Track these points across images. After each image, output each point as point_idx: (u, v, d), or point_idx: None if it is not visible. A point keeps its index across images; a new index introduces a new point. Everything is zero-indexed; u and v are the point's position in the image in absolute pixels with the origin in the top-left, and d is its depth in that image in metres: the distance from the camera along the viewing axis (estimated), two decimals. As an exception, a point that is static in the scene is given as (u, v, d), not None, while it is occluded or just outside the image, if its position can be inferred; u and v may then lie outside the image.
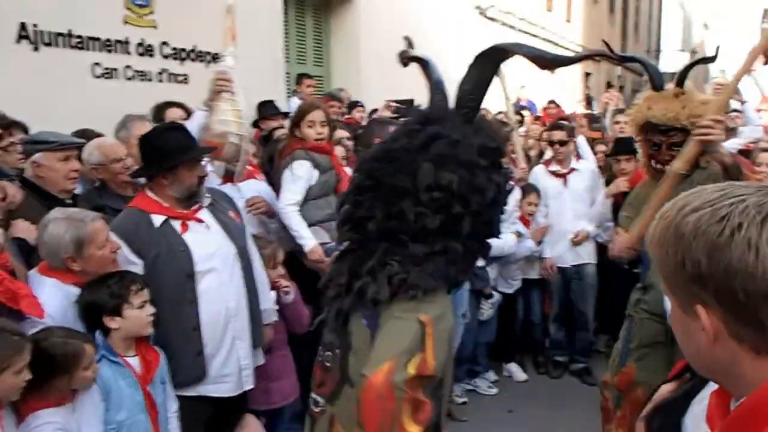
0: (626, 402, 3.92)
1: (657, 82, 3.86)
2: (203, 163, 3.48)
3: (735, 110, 8.39)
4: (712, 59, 4.10)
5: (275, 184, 4.62)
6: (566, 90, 17.37)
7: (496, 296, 5.81)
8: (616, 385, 3.96)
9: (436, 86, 2.45)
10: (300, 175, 4.33)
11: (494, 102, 12.33)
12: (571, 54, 3.03)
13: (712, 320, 1.10)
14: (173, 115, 5.70)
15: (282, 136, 5.98)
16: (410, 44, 2.82)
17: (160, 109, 5.83)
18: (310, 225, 4.33)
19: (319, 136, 4.47)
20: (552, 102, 12.61)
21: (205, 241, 3.37)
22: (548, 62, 2.47)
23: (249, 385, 3.53)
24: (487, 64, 2.40)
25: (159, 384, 3.18)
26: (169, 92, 6.68)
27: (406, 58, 2.70)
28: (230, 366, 3.43)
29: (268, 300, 3.75)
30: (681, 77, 3.90)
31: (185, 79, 7.06)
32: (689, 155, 3.51)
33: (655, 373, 3.78)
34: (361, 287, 2.13)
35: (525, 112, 10.43)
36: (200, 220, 3.41)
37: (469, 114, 2.33)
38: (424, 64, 2.54)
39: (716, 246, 1.07)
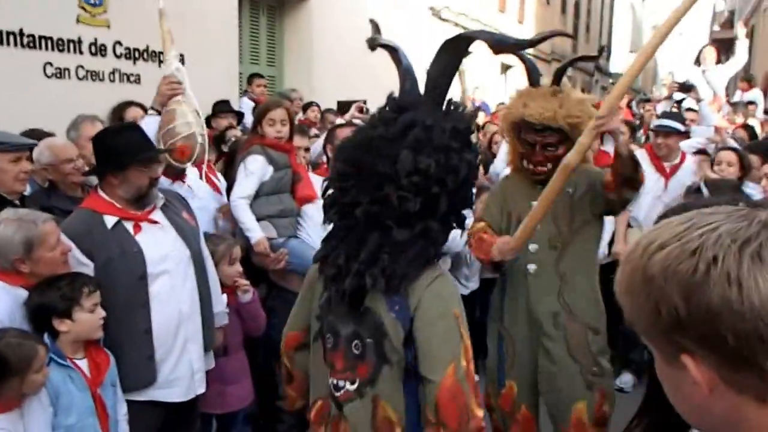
0: (515, 422, 3.94)
1: (534, 76, 3.83)
2: (156, 165, 3.45)
3: (690, 109, 8.60)
4: (595, 58, 4.18)
5: (232, 182, 4.62)
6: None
7: None
8: (500, 406, 3.96)
9: (406, 72, 2.55)
10: (253, 170, 4.35)
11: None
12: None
13: (703, 371, 0.95)
14: (133, 114, 5.66)
15: (235, 136, 5.99)
16: (377, 29, 2.86)
17: (119, 109, 5.80)
18: (259, 219, 4.34)
19: (279, 135, 4.48)
20: (502, 103, 12.74)
21: (159, 243, 3.34)
22: (511, 46, 2.70)
23: (201, 389, 3.51)
24: (453, 51, 2.52)
25: (109, 387, 3.14)
26: (122, 92, 6.63)
27: (374, 44, 2.76)
28: (181, 370, 3.39)
29: (220, 303, 3.73)
30: (558, 75, 3.87)
31: (137, 78, 7.00)
32: (583, 147, 3.39)
33: (533, 388, 3.92)
34: (358, 274, 2.32)
35: (480, 114, 10.56)
36: (154, 221, 3.38)
37: (439, 99, 2.47)
38: (393, 51, 2.63)
39: (691, 286, 0.93)
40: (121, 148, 3.28)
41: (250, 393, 4.16)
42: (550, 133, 3.67)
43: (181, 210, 3.55)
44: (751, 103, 11.22)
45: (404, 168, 2.27)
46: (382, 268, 2.30)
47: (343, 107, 8.50)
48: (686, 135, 6.33)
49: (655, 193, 5.82)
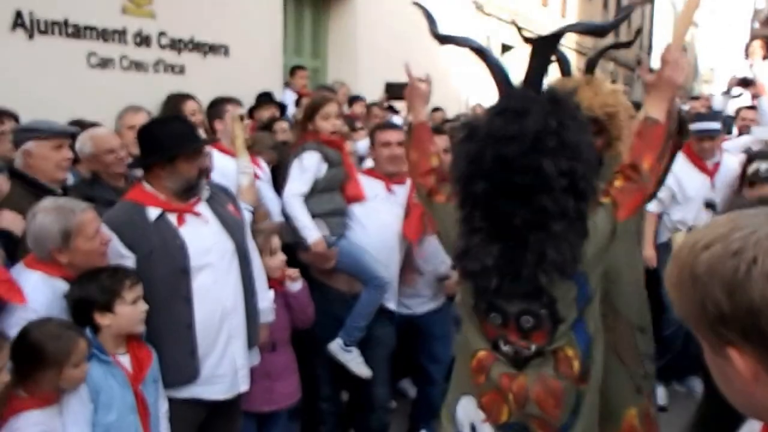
0: None
1: (565, 67, 3.71)
2: (204, 156, 3.37)
3: (751, 107, 8.33)
4: (629, 44, 4.04)
5: (282, 180, 4.51)
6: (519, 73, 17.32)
7: None
8: None
9: (500, 71, 2.75)
10: (308, 167, 4.22)
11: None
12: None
13: (747, 361, 1.03)
14: (191, 108, 5.64)
15: (282, 129, 5.90)
16: (431, 19, 3.06)
17: (176, 101, 5.76)
18: (312, 217, 4.21)
19: (335, 129, 4.36)
20: None
21: (202, 236, 3.25)
22: (600, 29, 2.89)
23: (244, 387, 3.41)
24: (547, 47, 2.75)
25: (151, 383, 3.06)
26: (166, 83, 6.58)
27: (445, 41, 2.96)
28: (224, 366, 3.30)
29: (266, 298, 3.63)
30: (591, 63, 3.74)
31: (182, 69, 6.91)
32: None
33: None
34: (531, 275, 2.48)
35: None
36: (198, 214, 3.28)
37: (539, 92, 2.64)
38: (479, 51, 2.83)
39: (734, 284, 1.01)
40: (168, 138, 3.20)
41: (298, 390, 4.07)
42: None
43: (227, 203, 3.45)
44: None
45: (550, 175, 2.41)
46: (552, 262, 2.47)
47: (392, 90, 8.40)
48: (727, 131, 6.14)
49: (703, 194, 5.67)
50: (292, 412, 4.33)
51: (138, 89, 6.20)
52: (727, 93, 8.91)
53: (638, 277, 3.78)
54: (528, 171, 2.41)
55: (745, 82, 8.90)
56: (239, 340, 3.35)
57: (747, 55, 9.49)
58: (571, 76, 3.68)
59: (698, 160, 5.70)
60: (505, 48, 17.03)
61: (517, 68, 4.72)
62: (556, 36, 2.75)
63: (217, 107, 5.10)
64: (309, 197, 4.22)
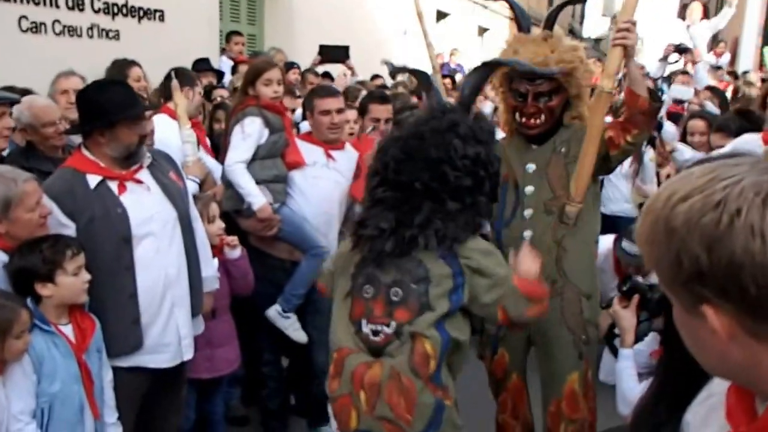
0: (506, 389, 3.93)
1: (523, 23, 3.71)
2: (145, 122, 3.32)
3: (684, 72, 8.54)
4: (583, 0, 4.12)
5: (222, 146, 4.48)
6: (494, 54, 17.40)
7: None
8: (493, 372, 3.95)
9: (437, 94, 3.18)
10: (250, 133, 4.17)
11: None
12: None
13: (723, 320, 0.98)
14: (136, 73, 5.55)
15: (221, 96, 5.84)
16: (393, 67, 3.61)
17: (120, 67, 5.65)
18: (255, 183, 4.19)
19: (276, 95, 4.31)
20: None
21: (144, 204, 3.21)
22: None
23: (188, 355, 3.41)
24: (483, 73, 3.24)
25: (94, 353, 3.04)
26: (100, 48, 6.45)
27: (396, 71, 3.50)
28: (169, 335, 3.29)
29: (210, 267, 3.63)
30: (550, 19, 3.72)
31: (117, 35, 6.78)
32: (612, 68, 3.33)
33: (522, 355, 3.93)
34: (413, 236, 2.67)
35: (457, 76, 10.47)
36: (139, 181, 3.24)
37: (468, 108, 3.04)
38: (425, 79, 3.28)
39: (714, 238, 0.95)
40: (108, 104, 3.12)
41: (238, 356, 4.10)
42: (542, 82, 3.50)
43: (169, 170, 3.41)
44: (719, 68, 11.25)
45: (458, 152, 2.70)
46: (435, 230, 2.65)
47: (325, 52, 8.38)
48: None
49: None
50: (233, 379, 4.38)
51: (72, 55, 6.05)
52: (664, 59, 9.10)
53: (590, 245, 3.84)
54: (439, 146, 2.71)
55: (682, 50, 9.13)
56: (183, 308, 3.35)
57: (684, 17, 9.67)
58: (530, 33, 3.67)
59: (621, 273, 5.34)
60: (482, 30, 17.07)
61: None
62: (493, 63, 3.31)
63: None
64: (251, 164, 4.19)
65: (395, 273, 2.69)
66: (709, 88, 8.03)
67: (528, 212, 3.70)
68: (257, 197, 4.13)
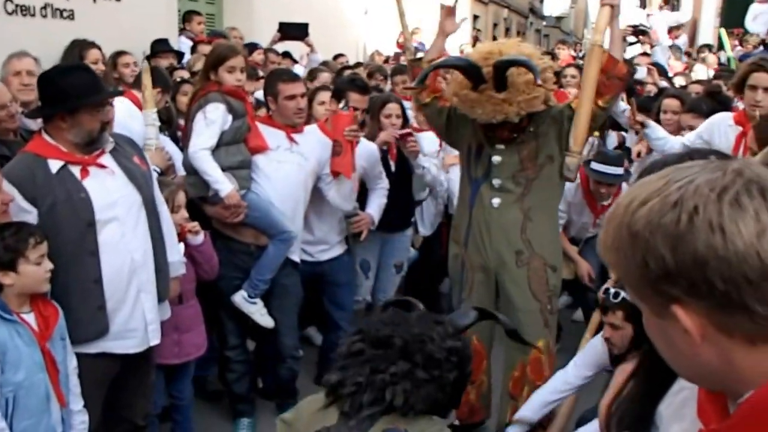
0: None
1: (474, 75, 3.68)
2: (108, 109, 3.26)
3: (645, 53, 8.68)
4: None
5: (184, 132, 4.41)
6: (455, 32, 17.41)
7: (413, 251, 5.80)
8: None
9: None
10: (213, 119, 4.09)
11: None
12: None
13: (694, 318, 0.99)
14: (94, 56, 5.44)
15: (181, 77, 5.74)
16: None
17: (78, 48, 5.54)
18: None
19: (239, 83, 4.23)
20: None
21: (107, 188, 3.16)
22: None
23: (155, 340, 3.38)
24: None
25: (58, 340, 3.00)
26: (54, 28, 6.29)
27: None
28: (135, 321, 3.26)
29: (176, 252, 3.58)
30: (499, 75, 3.63)
31: (71, 14, 6.60)
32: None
33: (490, 340, 4.10)
34: (383, 382, 2.42)
35: (419, 54, 10.45)
36: (103, 166, 3.18)
37: None
38: None
39: (677, 236, 0.96)
40: (71, 89, 3.07)
41: (205, 341, 4.07)
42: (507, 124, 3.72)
43: (132, 154, 3.36)
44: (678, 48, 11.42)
45: (439, 334, 2.44)
46: (403, 389, 2.41)
47: (285, 30, 8.31)
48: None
49: (583, 233, 5.52)
50: (209, 357, 4.37)
51: (25, 35, 5.89)
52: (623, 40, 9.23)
53: (554, 218, 4.02)
54: (423, 327, 2.49)
55: (640, 31, 9.27)
56: (149, 293, 3.31)
57: (644, 5, 9.81)
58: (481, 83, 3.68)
59: (591, 198, 5.33)
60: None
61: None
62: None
63: None
64: (216, 150, 4.11)
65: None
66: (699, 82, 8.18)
67: (497, 181, 3.88)
68: (224, 184, 4.07)
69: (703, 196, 0.96)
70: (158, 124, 4.28)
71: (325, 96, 5.09)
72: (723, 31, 11.57)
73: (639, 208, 1.01)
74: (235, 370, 4.51)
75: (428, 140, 5.42)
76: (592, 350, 3.51)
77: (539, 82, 3.56)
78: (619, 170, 5.10)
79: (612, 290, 3.15)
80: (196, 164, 4.08)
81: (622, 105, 6.17)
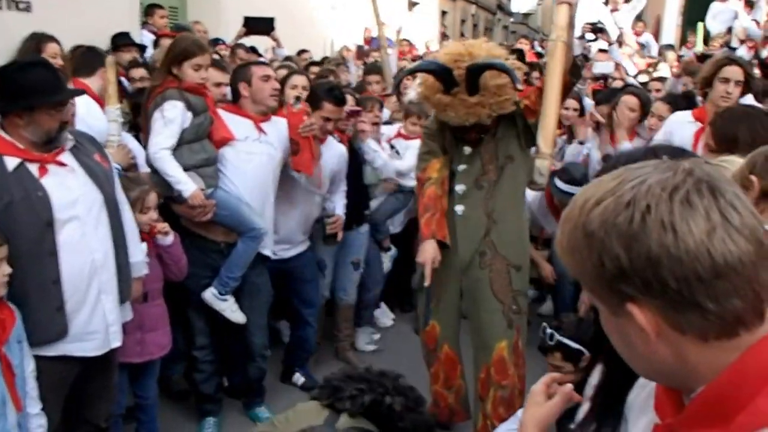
0: (437, 360, 4.11)
1: (446, 80, 3.68)
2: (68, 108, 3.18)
3: (602, 50, 8.75)
4: None
5: (142, 129, 4.30)
6: (423, 28, 17.41)
7: (393, 249, 5.89)
8: (425, 343, 4.13)
9: None
10: (171, 118, 3.97)
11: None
12: None
13: (648, 317, 1.01)
14: (52, 51, 5.31)
15: (142, 77, 5.62)
16: None
17: (36, 42, 5.40)
18: (184, 170, 4.01)
19: (203, 81, 4.13)
20: (405, 40, 12.61)
21: (67, 187, 3.07)
22: None
23: (116, 343, 3.30)
24: None
25: (15, 344, 2.92)
26: (10, 21, 6.13)
27: None
28: (95, 323, 3.17)
29: (138, 252, 3.50)
30: (472, 78, 3.64)
31: (27, 6, 6.45)
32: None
33: (453, 326, 4.12)
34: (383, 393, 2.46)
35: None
36: (62, 164, 3.09)
37: None
38: None
39: (630, 236, 0.98)
40: (30, 86, 2.97)
41: (170, 341, 4.00)
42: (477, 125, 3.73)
43: (94, 152, 3.26)
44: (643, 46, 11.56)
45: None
46: (400, 401, 2.44)
47: (251, 24, 8.23)
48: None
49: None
50: (175, 355, 4.31)
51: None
52: (581, 38, 9.34)
53: (520, 217, 4.01)
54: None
55: (597, 29, 9.39)
56: (110, 294, 3.23)
57: (607, 2, 9.91)
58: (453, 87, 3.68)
59: (555, 209, 5.36)
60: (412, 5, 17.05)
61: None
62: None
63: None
64: (178, 149, 4.01)
65: None
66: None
67: (460, 188, 3.91)
68: (186, 184, 3.98)
69: (655, 196, 0.99)
70: (121, 120, 4.19)
71: (297, 80, 5.05)
72: (701, 25, 11.72)
73: (593, 208, 1.03)
74: (203, 370, 4.44)
75: (414, 149, 5.45)
76: None
77: (519, 86, 3.59)
78: (574, 189, 4.86)
79: (548, 331, 3.16)
80: (156, 165, 3.99)
81: (588, 100, 6.21)
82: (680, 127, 4.68)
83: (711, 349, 1.02)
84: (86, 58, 4.83)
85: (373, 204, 5.57)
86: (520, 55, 7.42)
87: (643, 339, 1.04)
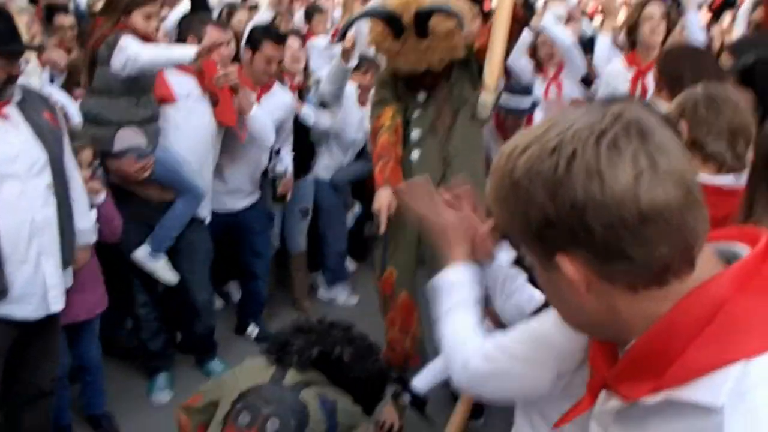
0: (393, 307, 4.09)
1: (395, 27, 3.63)
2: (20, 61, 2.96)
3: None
4: None
5: (82, 82, 4.09)
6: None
7: (358, 207, 5.89)
8: (382, 290, 4.09)
9: None
10: (130, 44, 3.69)
11: None
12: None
13: (577, 268, 0.98)
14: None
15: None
16: None
17: None
18: (128, 125, 3.83)
19: (152, 31, 3.90)
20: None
21: (8, 142, 2.90)
22: None
23: (57, 307, 3.15)
24: None
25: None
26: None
27: None
28: (35, 285, 3.02)
29: (86, 219, 3.36)
30: (421, 22, 3.62)
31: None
32: None
33: (410, 273, 4.07)
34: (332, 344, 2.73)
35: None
36: (5, 116, 2.91)
37: None
38: None
39: (555, 183, 0.94)
40: None
41: (101, 301, 3.83)
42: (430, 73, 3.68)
43: (43, 110, 3.08)
44: None
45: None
46: (349, 351, 2.69)
47: None
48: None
49: None
50: (112, 321, 4.22)
51: None
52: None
53: (478, 161, 3.95)
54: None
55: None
56: (52, 257, 3.08)
57: None
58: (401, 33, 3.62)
59: (504, 132, 5.03)
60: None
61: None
62: None
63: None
64: (126, 100, 3.82)
65: (276, 407, 2.52)
66: None
67: (415, 133, 3.86)
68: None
69: (581, 141, 0.94)
70: (38, 72, 3.98)
71: (295, 43, 4.98)
72: None
73: (519, 156, 0.99)
74: (148, 328, 4.35)
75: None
76: None
77: (464, 30, 3.54)
78: (526, 101, 4.82)
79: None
80: (143, 60, 3.67)
81: (523, 60, 5.91)
82: (616, 76, 4.68)
83: (642, 299, 0.99)
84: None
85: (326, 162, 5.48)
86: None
87: (573, 292, 1.01)
